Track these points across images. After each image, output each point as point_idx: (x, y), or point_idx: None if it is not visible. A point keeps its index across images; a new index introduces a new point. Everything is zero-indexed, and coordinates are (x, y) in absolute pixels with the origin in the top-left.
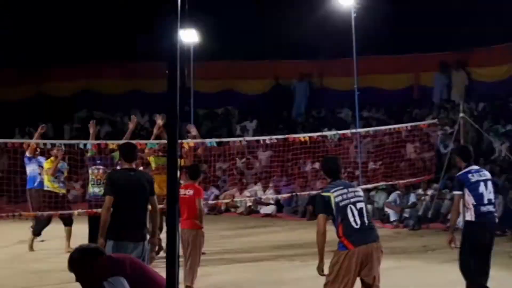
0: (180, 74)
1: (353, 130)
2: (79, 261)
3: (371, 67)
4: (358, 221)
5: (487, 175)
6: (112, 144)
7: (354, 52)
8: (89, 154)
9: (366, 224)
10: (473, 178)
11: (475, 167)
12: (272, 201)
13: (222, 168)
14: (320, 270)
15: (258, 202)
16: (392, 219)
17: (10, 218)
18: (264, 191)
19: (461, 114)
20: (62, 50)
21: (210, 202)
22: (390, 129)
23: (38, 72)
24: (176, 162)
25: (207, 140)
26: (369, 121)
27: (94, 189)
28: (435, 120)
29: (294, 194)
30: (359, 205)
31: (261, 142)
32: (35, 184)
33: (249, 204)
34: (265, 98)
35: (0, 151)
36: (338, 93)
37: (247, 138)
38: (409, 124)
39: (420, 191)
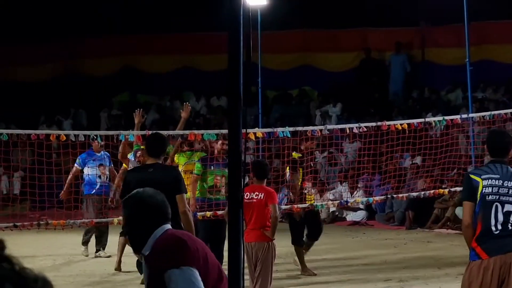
0: (244, 46)
1: (464, 115)
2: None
3: (487, 35)
4: (499, 227)
5: None
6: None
7: (465, 17)
8: (134, 148)
9: (509, 230)
10: None
11: None
12: (361, 206)
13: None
14: None
15: (344, 207)
16: None
17: (35, 228)
18: (352, 193)
19: None
20: (95, 19)
21: (283, 207)
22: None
23: (66, 46)
24: (239, 157)
25: (279, 129)
26: (485, 103)
27: None
28: None
29: (389, 196)
30: (508, 207)
31: (347, 131)
32: (95, 190)
33: (332, 209)
34: (352, 75)
35: (22, 144)
36: (445, 68)
37: (329, 127)
38: None
39: None
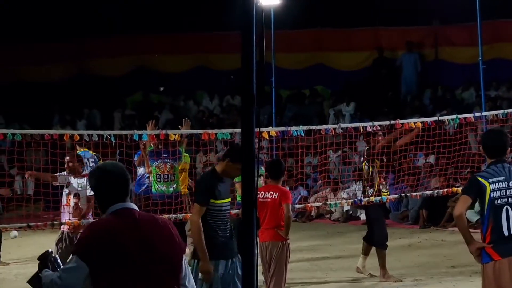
0: (257, 46)
1: (477, 114)
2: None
3: (500, 33)
4: None
5: None
6: (174, 134)
7: (478, 15)
8: (149, 149)
9: None
10: None
11: None
12: None
13: (312, 163)
14: (474, 252)
15: (358, 205)
16: None
17: (49, 228)
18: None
19: None
20: (109, 18)
21: (297, 206)
22: None
23: (80, 46)
24: (253, 156)
25: (293, 128)
26: (498, 102)
27: (160, 186)
28: None
29: (403, 195)
30: None
31: (361, 129)
32: (143, 188)
33: (346, 208)
34: (365, 75)
35: (35, 144)
36: (458, 67)
37: (343, 125)
38: None
39: None
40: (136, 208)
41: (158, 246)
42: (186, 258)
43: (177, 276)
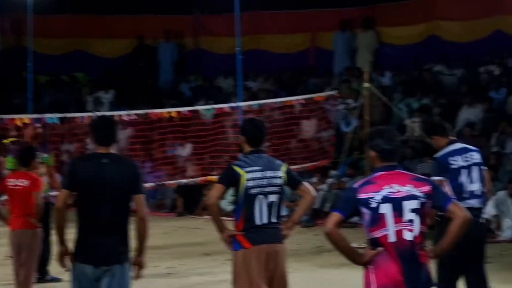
0: (13, 30)
1: (233, 104)
2: None
3: (258, 25)
4: (265, 218)
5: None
6: None
7: (236, 6)
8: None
9: (274, 222)
10: (455, 163)
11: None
12: None
13: (70, 151)
14: (225, 239)
15: None
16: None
17: None
18: None
19: (366, 85)
20: None
21: (54, 194)
22: (278, 102)
23: None
24: None
25: (47, 115)
26: (257, 92)
27: None
28: (335, 92)
29: (159, 183)
30: (271, 198)
31: (118, 118)
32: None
33: None
34: (126, 62)
35: None
36: (218, 57)
37: (98, 113)
38: (302, 97)
39: (315, 179)
40: None
41: None
42: None
43: None
